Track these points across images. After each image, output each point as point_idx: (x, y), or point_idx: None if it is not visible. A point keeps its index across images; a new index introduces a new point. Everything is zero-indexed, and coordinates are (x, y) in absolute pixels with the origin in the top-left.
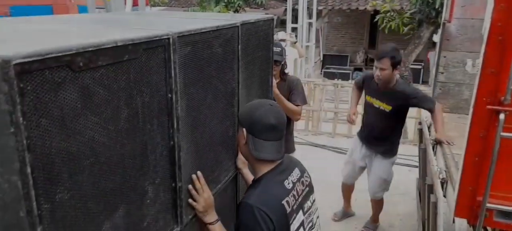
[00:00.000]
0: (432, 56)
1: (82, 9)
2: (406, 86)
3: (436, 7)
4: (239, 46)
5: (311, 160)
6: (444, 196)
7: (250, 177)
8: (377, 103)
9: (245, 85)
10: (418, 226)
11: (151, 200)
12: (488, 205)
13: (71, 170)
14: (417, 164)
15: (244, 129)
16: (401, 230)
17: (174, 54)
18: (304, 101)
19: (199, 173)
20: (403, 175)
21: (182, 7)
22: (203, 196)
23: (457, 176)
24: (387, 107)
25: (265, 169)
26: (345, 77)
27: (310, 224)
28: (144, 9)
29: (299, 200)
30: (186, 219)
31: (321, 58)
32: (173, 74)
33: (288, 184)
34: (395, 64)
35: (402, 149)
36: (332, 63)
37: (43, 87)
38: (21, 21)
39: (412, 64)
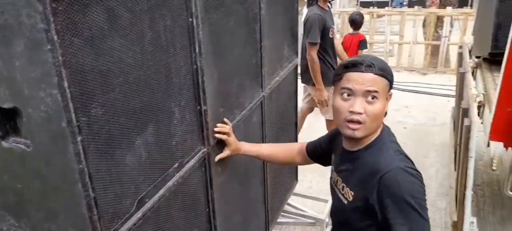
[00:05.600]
0: None
1: None
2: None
3: None
4: None
5: None
6: (481, 121)
7: (250, 149)
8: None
9: (268, 11)
10: (449, 154)
11: (178, 120)
12: None
13: (103, 87)
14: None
15: (391, 91)
16: (436, 160)
17: None
18: None
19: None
20: (442, 106)
21: None
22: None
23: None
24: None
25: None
26: (382, 5)
27: None
28: None
29: None
30: (212, 141)
31: None
32: None
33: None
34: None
35: (442, 78)
36: None
37: (73, 7)
38: None
39: None
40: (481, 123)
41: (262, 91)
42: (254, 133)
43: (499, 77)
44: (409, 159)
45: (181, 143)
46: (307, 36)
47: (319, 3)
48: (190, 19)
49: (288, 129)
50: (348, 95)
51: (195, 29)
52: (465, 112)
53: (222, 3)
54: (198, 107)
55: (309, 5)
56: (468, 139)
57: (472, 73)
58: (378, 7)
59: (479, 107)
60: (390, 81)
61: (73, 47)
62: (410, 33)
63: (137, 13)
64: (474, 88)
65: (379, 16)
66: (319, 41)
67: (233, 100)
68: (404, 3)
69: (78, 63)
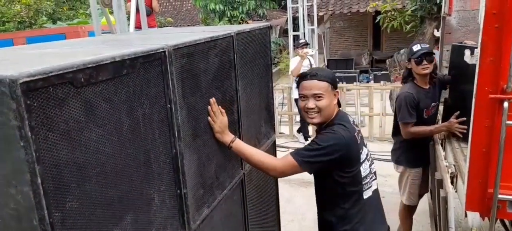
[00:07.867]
0: (437, 53)
1: (93, 35)
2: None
3: (438, 2)
4: (235, 55)
5: None
6: (455, 191)
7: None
8: None
9: (245, 92)
10: (430, 223)
11: (157, 206)
12: (500, 196)
13: (79, 179)
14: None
15: (337, 90)
16: (417, 228)
17: (171, 66)
18: None
19: (212, 99)
20: None
21: (188, 25)
22: (219, 117)
23: (466, 169)
24: None
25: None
26: (351, 80)
27: (371, 160)
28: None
29: (360, 139)
30: (194, 225)
31: (326, 64)
32: (171, 86)
33: (353, 123)
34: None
35: None
36: (338, 68)
37: (49, 103)
38: (31, 47)
39: None
40: (456, 191)
41: (242, 169)
42: (235, 211)
43: (467, 149)
44: (349, 130)
45: (161, 230)
46: (398, 115)
47: (415, 81)
48: (169, 105)
49: (270, 205)
50: (303, 98)
51: (174, 114)
52: (440, 184)
53: (199, 88)
54: (178, 191)
55: (404, 82)
56: (446, 209)
57: (441, 144)
58: (347, 83)
59: (452, 178)
60: (331, 83)
61: (48, 142)
62: (378, 104)
63: (115, 104)
64: (445, 161)
65: (348, 90)
66: (410, 120)
67: (214, 181)
68: (371, 78)
69: (53, 157)
